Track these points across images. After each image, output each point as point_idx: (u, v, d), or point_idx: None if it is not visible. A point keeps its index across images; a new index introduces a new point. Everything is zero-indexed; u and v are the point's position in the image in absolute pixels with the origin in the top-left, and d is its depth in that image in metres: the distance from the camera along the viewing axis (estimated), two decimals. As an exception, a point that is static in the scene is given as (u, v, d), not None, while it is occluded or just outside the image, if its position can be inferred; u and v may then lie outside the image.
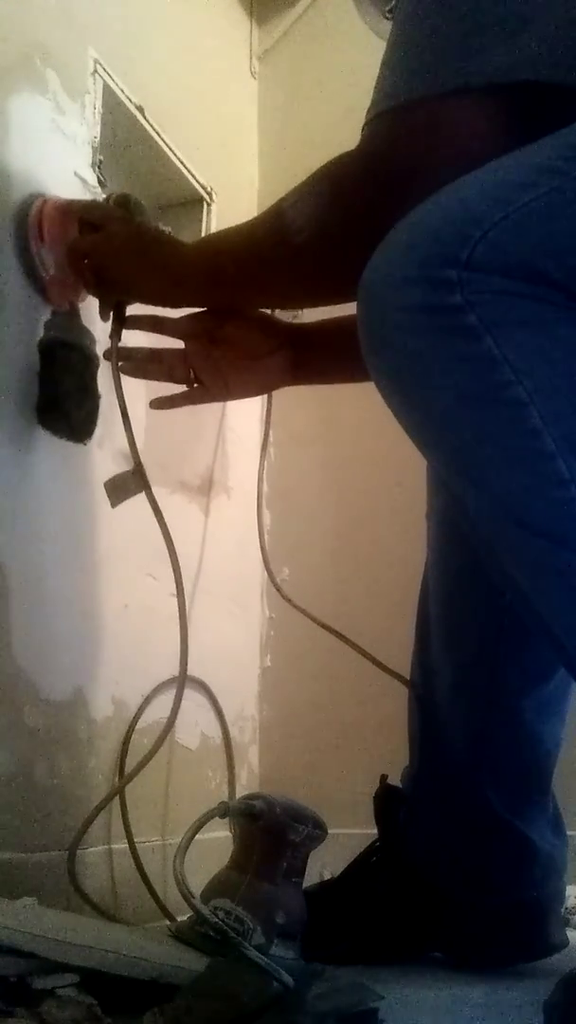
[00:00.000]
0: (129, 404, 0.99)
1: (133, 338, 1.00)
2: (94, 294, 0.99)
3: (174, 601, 0.97)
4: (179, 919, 0.96)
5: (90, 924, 0.84)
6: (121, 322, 0.98)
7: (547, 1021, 0.66)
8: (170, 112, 1.37)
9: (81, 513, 1.08)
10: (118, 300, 0.98)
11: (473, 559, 0.75)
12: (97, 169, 1.17)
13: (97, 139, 1.18)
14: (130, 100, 1.28)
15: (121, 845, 1.09)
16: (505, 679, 0.93)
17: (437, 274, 0.61)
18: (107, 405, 1.05)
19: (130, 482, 0.96)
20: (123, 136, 1.31)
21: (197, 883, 0.78)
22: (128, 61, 1.27)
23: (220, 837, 1.05)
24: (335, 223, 0.76)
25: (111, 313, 0.98)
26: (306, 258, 0.78)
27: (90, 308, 1.02)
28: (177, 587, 0.95)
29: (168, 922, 1.02)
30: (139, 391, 1.11)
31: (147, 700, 1.17)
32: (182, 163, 1.42)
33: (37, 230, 0.99)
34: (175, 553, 0.95)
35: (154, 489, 0.96)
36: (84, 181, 1.14)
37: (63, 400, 0.99)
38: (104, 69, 1.21)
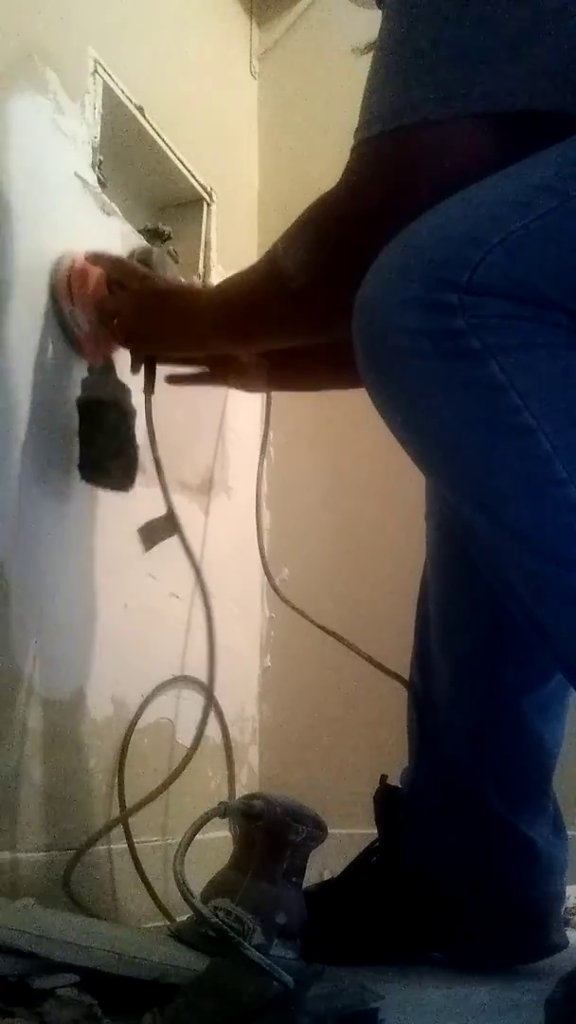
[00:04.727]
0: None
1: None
2: (126, 348, 1.02)
3: (174, 601, 0.97)
4: (179, 919, 0.96)
5: (90, 924, 0.84)
6: (153, 375, 1.02)
7: (548, 1018, 0.66)
8: (170, 112, 1.37)
9: (81, 513, 1.08)
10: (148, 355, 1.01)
11: (472, 561, 0.75)
12: (97, 169, 1.18)
13: (97, 139, 1.18)
14: (130, 100, 1.28)
15: (121, 845, 1.08)
16: (504, 679, 0.93)
17: (437, 297, 0.60)
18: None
19: (163, 526, 1.01)
20: (123, 136, 1.31)
21: (197, 883, 0.78)
22: (128, 61, 1.27)
23: (220, 837, 1.04)
24: (326, 267, 0.75)
25: (143, 366, 1.02)
26: (305, 304, 0.78)
27: (124, 360, 1.05)
28: (206, 610, 1.00)
29: (168, 922, 1.02)
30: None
31: (147, 700, 1.18)
32: (182, 163, 1.42)
33: (67, 291, 1.03)
34: (207, 592, 1.00)
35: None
36: (84, 181, 1.14)
37: (102, 459, 1.03)
38: (104, 69, 1.21)
